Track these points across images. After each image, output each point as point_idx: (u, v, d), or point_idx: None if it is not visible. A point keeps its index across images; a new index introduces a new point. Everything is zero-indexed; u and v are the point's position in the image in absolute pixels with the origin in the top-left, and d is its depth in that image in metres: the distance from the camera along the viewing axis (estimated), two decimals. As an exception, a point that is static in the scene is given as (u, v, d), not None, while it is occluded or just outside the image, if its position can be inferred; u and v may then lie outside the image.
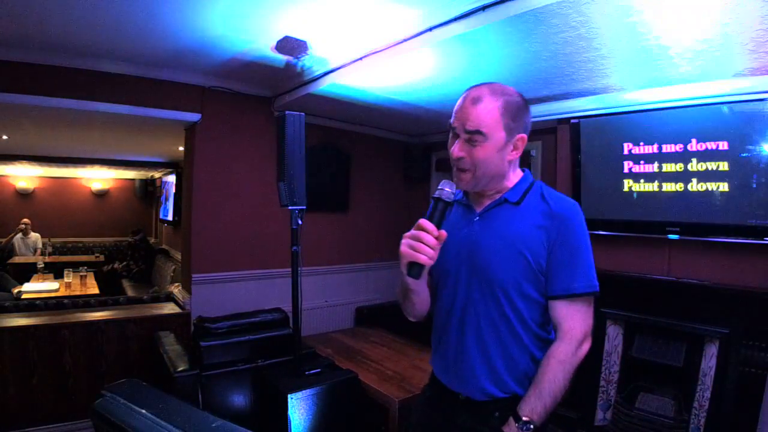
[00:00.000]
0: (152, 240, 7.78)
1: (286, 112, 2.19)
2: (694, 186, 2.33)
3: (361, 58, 2.39)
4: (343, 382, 2.31)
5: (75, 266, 5.17)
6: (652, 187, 2.49)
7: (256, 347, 2.53)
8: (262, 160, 3.37)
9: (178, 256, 4.70)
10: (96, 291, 4.65)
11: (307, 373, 2.27)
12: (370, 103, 3.15)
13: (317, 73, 2.75)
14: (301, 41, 2.36)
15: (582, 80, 2.42)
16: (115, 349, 2.83)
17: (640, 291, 2.55)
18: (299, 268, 2.25)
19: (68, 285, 4.80)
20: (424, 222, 1.04)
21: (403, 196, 4.48)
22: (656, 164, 2.46)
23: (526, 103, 1.16)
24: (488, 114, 1.08)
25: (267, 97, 3.42)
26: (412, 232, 1.04)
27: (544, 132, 3.19)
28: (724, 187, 2.24)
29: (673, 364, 2.36)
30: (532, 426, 1.04)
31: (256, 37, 2.35)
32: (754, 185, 2.14)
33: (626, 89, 2.50)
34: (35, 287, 4.51)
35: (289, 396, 2.07)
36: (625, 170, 2.58)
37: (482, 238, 1.16)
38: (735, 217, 2.20)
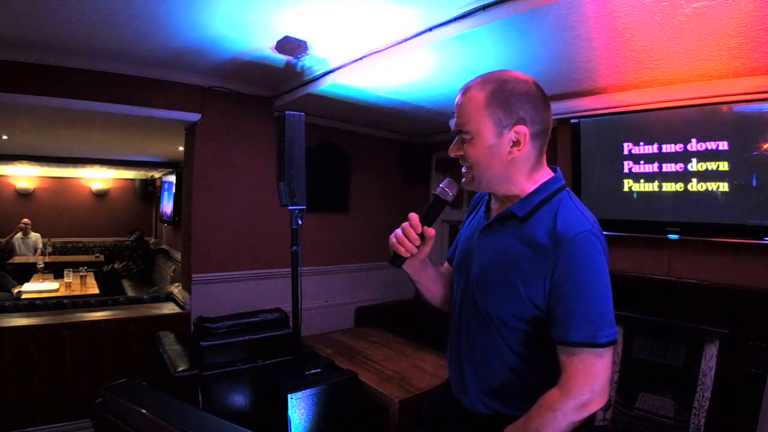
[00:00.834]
0: (152, 240, 7.78)
1: (286, 112, 2.20)
2: (694, 186, 2.33)
3: (361, 58, 2.40)
4: (343, 382, 2.31)
5: (75, 266, 5.15)
6: (652, 187, 2.49)
7: (256, 347, 2.53)
8: (263, 160, 3.37)
9: (178, 256, 4.70)
10: (96, 291, 4.64)
11: (307, 373, 2.27)
12: (370, 103, 3.15)
13: (317, 73, 2.75)
14: (301, 41, 2.36)
15: (582, 80, 2.42)
16: (115, 349, 2.83)
17: (640, 291, 2.54)
18: (299, 268, 2.25)
19: (68, 285, 4.79)
20: (412, 216, 1.07)
21: (403, 197, 4.48)
22: (656, 164, 2.46)
23: (537, 90, 0.96)
24: (472, 105, 0.95)
25: (267, 97, 3.42)
26: (403, 224, 1.08)
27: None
28: (724, 187, 2.23)
29: (673, 364, 2.36)
30: None
31: (256, 37, 2.35)
32: (754, 185, 2.14)
33: (625, 89, 2.49)
34: (35, 287, 4.50)
35: (289, 396, 2.07)
36: (625, 170, 2.58)
37: (479, 254, 1.05)
38: (735, 217, 2.20)
